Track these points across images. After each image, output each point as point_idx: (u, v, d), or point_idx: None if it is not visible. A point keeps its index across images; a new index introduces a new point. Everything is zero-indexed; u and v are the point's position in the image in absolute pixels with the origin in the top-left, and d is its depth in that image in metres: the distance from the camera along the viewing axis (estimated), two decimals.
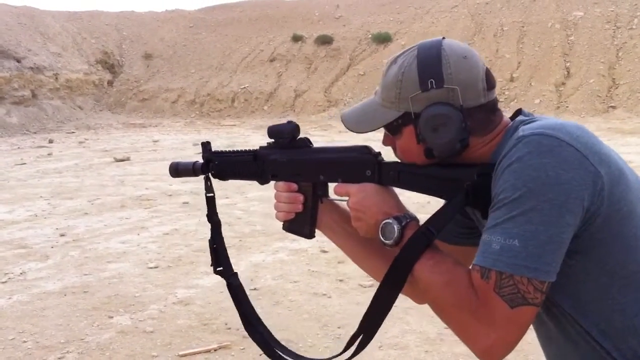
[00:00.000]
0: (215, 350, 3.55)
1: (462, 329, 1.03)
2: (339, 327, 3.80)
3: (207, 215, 1.39)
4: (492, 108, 1.12)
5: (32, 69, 23.51)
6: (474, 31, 24.76)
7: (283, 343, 1.35)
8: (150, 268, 5.15)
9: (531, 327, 1.23)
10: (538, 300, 0.97)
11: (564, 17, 23.75)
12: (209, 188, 1.39)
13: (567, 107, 19.72)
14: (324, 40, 26.88)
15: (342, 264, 4.92)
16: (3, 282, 4.85)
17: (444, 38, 1.13)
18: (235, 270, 1.41)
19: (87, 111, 24.94)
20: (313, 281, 4.71)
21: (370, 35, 26.60)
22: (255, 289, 4.51)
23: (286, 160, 1.30)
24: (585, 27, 22.84)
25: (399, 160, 1.20)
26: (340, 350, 1.17)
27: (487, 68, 1.12)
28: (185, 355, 3.49)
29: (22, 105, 22.32)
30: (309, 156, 1.28)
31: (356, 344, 1.16)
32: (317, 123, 20.47)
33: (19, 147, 16.64)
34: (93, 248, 5.86)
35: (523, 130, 1.03)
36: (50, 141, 17.82)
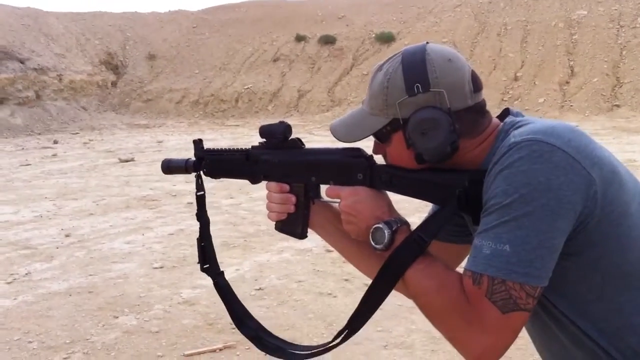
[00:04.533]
0: (220, 350, 3.55)
1: (453, 334, 1.02)
2: None
3: (197, 214, 1.38)
4: (479, 110, 1.11)
5: (36, 70, 23.58)
6: (478, 30, 24.73)
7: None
8: (155, 268, 5.15)
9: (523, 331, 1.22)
10: (530, 305, 0.96)
11: (568, 16, 23.71)
12: (199, 186, 1.38)
13: (571, 105, 19.68)
14: (327, 40, 26.90)
15: (348, 264, 4.88)
16: (8, 283, 4.86)
17: (427, 43, 1.12)
18: (221, 270, 1.41)
19: (91, 112, 25.01)
20: (318, 281, 4.71)
21: (373, 35, 26.60)
22: (260, 288, 4.51)
23: (278, 161, 1.28)
24: (589, 25, 22.79)
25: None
26: (334, 344, 1.18)
27: (472, 70, 1.11)
28: (190, 355, 3.50)
29: (26, 106, 22.39)
30: (301, 157, 1.26)
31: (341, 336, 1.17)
32: (321, 123, 20.46)
33: (23, 148, 16.69)
34: (98, 248, 5.87)
35: (514, 135, 1.02)
36: (55, 142, 17.88)
